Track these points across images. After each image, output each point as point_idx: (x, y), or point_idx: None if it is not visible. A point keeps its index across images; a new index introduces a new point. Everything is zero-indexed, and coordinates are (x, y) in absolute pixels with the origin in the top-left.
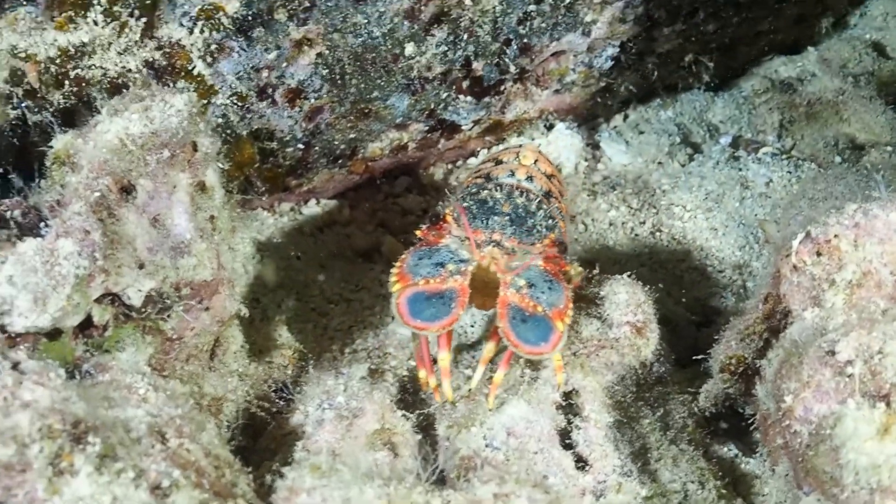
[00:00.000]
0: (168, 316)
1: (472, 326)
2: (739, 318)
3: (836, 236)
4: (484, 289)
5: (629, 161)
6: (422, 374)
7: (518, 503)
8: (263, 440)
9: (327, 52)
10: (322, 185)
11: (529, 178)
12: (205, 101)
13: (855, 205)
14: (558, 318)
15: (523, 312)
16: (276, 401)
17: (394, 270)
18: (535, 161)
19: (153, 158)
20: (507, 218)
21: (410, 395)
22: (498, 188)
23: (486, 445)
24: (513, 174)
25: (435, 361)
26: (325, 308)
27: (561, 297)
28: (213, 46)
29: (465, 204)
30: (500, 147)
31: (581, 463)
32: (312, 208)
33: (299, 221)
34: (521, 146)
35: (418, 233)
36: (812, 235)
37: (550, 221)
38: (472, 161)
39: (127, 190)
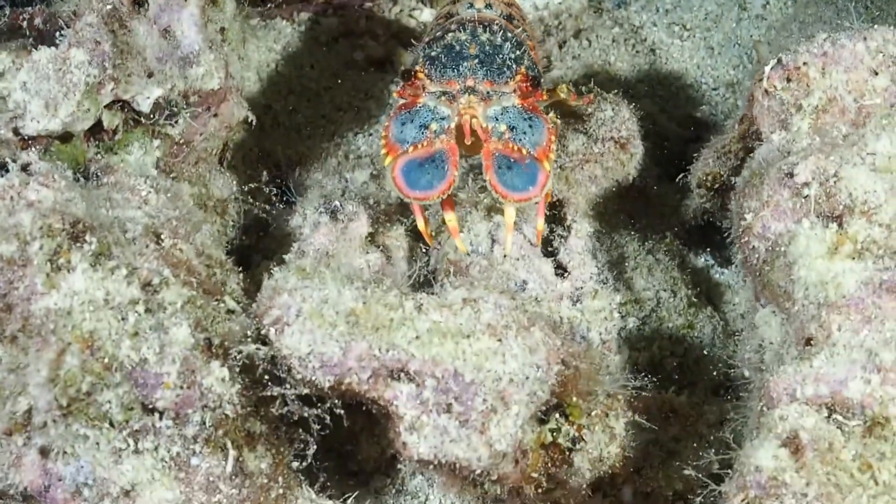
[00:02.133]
0: (176, 122)
1: None
2: (718, 137)
3: (805, 64)
4: (467, 137)
5: None
6: (420, 225)
7: (485, 307)
8: (265, 240)
9: None
10: None
11: (488, 6)
12: None
13: (824, 34)
14: (543, 157)
15: (508, 159)
16: (278, 203)
17: (381, 142)
18: None
19: None
20: (476, 61)
21: None
22: (461, 28)
23: (473, 250)
24: (471, 5)
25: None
26: (334, 115)
27: (543, 133)
28: None
29: (433, 53)
30: None
31: (561, 270)
32: (330, 18)
33: (316, 31)
34: None
35: (395, 93)
36: (783, 62)
37: (518, 52)
38: None
39: (139, 2)
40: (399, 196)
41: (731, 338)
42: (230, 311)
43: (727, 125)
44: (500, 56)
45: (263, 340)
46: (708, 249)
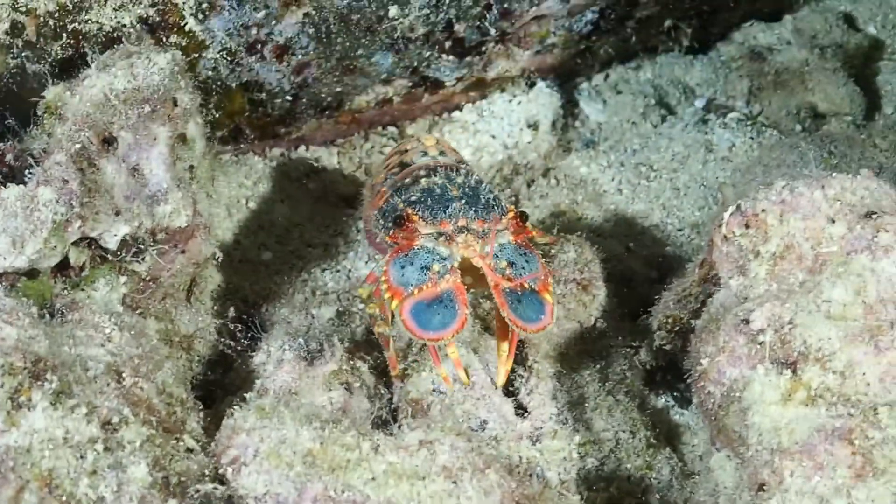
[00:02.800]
0: (143, 259)
1: None
2: (679, 280)
3: (763, 210)
4: (466, 274)
5: (605, 119)
6: (442, 370)
7: (441, 449)
8: (231, 375)
9: (314, 11)
10: (311, 133)
11: (442, 153)
12: (196, 55)
13: (783, 181)
14: (545, 290)
15: (516, 293)
16: (244, 339)
17: (383, 287)
18: (437, 141)
19: (134, 112)
20: (462, 202)
21: (375, 336)
22: (431, 173)
23: (434, 390)
24: (425, 153)
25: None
26: (302, 251)
27: (539, 267)
28: (205, 4)
29: (414, 198)
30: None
31: (521, 410)
32: (301, 154)
33: (288, 167)
34: (415, 137)
35: (388, 238)
36: (742, 208)
37: (496, 191)
38: (457, 114)
39: (108, 141)
40: (411, 338)
41: (689, 479)
42: (189, 450)
43: (688, 268)
44: (483, 196)
45: (221, 480)
46: (668, 390)
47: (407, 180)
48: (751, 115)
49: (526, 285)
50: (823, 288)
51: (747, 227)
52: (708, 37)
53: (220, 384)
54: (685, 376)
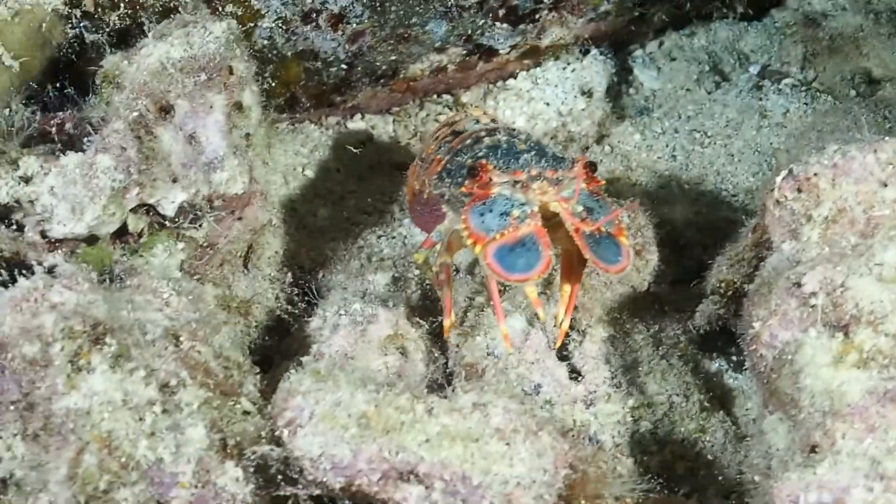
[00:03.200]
0: (200, 225)
1: None
2: (732, 244)
3: (815, 175)
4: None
5: (659, 86)
6: (503, 328)
7: (494, 411)
8: (288, 341)
9: None
10: (366, 101)
11: (493, 120)
12: (251, 24)
13: (835, 146)
14: (620, 234)
15: (595, 236)
16: (301, 305)
17: (464, 234)
18: (484, 112)
19: (191, 81)
20: (532, 153)
21: (431, 302)
22: (490, 133)
23: (489, 354)
24: (476, 121)
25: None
26: (358, 218)
27: (611, 213)
28: None
29: (481, 153)
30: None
31: (574, 374)
32: (357, 123)
33: (343, 135)
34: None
35: (463, 189)
36: (794, 173)
37: (559, 147)
38: (511, 82)
39: (166, 109)
40: (499, 280)
41: (742, 442)
42: (246, 413)
43: (741, 233)
44: (548, 149)
45: (277, 441)
46: (722, 354)
47: (468, 141)
48: (805, 81)
49: (603, 229)
50: (875, 251)
51: (799, 191)
52: (762, 3)
53: (278, 349)
54: (738, 340)
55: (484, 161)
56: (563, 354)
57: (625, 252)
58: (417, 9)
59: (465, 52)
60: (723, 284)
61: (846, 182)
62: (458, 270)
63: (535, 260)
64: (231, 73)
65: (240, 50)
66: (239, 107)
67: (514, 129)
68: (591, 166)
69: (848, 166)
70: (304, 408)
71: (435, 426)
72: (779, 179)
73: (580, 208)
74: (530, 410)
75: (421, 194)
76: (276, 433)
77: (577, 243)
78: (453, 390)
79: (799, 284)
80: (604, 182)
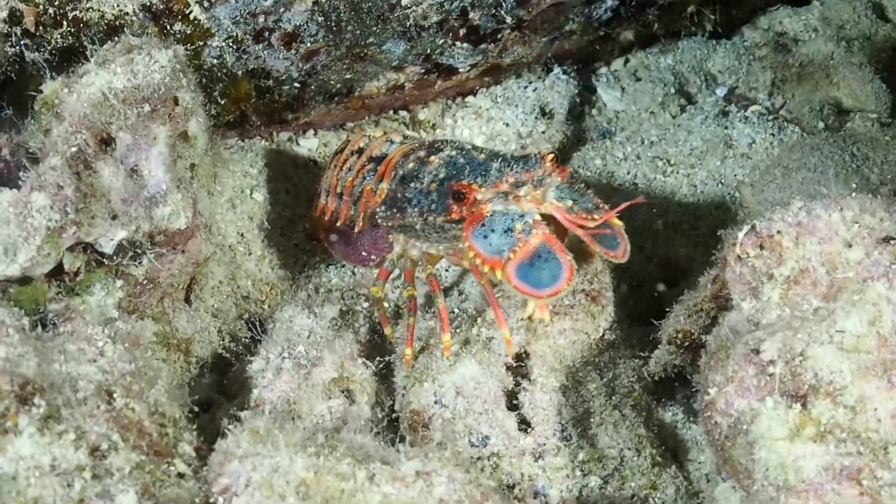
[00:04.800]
0: (140, 262)
1: (447, 270)
2: (690, 293)
3: (779, 232)
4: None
5: (623, 108)
6: (446, 338)
7: (438, 481)
8: (231, 377)
9: (324, 0)
10: (319, 118)
11: (406, 137)
12: (200, 43)
13: (800, 202)
14: (609, 217)
15: (590, 226)
16: (244, 340)
17: (477, 262)
18: (384, 132)
19: (133, 112)
20: (497, 161)
21: (379, 337)
22: (433, 151)
23: (436, 402)
24: (391, 142)
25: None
26: (307, 245)
27: (592, 198)
28: None
29: (443, 174)
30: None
31: (524, 425)
32: (310, 140)
33: (294, 153)
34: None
35: (452, 215)
36: (757, 229)
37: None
38: (471, 99)
39: (106, 142)
40: (527, 299)
41: (693, 498)
42: (180, 475)
43: (700, 282)
44: (504, 153)
45: None
46: (677, 402)
47: (410, 165)
48: (773, 109)
49: (595, 217)
50: (837, 317)
51: (762, 248)
52: (732, 21)
53: (219, 386)
54: (694, 389)
55: (464, 181)
56: (512, 404)
57: (619, 232)
58: (375, 28)
59: (423, 70)
60: (680, 334)
61: (810, 241)
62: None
63: (557, 270)
64: (177, 103)
65: (186, 79)
66: (184, 136)
67: (454, 142)
68: (556, 157)
69: (812, 225)
70: (241, 474)
71: (376, 496)
72: (741, 235)
73: (570, 203)
74: (475, 480)
75: (347, 228)
76: (211, 500)
77: (581, 238)
78: (397, 447)
79: (757, 351)
80: (569, 170)
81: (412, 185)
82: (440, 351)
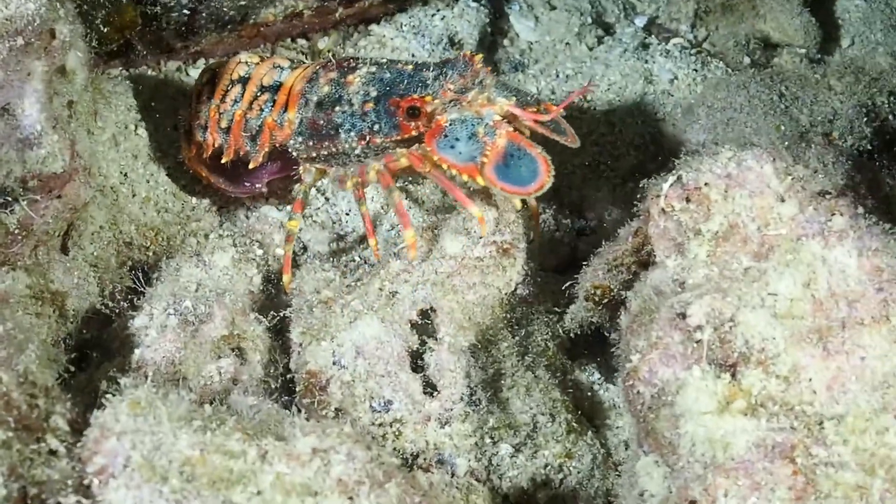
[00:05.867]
0: (12, 210)
1: (348, 214)
2: (610, 245)
3: (706, 184)
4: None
5: (537, 38)
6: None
7: (336, 459)
8: (109, 334)
9: None
10: (210, 47)
11: (293, 62)
12: None
13: (729, 151)
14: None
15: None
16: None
17: (445, 165)
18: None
19: (5, 46)
20: (427, 70)
21: (274, 288)
22: (348, 70)
23: (334, 363)
24: (279, 67)
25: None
26: (194, 186)
27: (567, 99)
28: None
29: (377, 91)
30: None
31: (430, 388)
32: (200, 69)
33: (184, 84)
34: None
35: (410, 132)
36: (683, 180)
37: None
38: (374, 28)
39: None
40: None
41: (611, 469)
42: (52, 452)
43: (620, 234)
44: (426, 62)
45: (86, 492)
46: (594, 362)
47: (326, 89)
48: (695, 42)
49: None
50: (770, 278)
51: (688, 200)
52: None
53: (98, 343)
54: (613, 348)
55: (414, 96)
56: (417, 365)
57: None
58: None
59: None
60: (598, 291)
61: (740, 195)
62: (305, 248)
63: (534, 164)
64: (53, 36)
65: (64, 9)
66: (62, 71)
67: (364, 58)
68: (483, 57)
69: (743, 177)
70: (119, 453)
71: (269, 475)
72: (665, 186)
73: (514, 99)
74: (377, 458)
75: (236, 163)
76: (86, 482)
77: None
78: (293, 425)
79: (684, 315)
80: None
81: (337, 108)
82: (339, 307)
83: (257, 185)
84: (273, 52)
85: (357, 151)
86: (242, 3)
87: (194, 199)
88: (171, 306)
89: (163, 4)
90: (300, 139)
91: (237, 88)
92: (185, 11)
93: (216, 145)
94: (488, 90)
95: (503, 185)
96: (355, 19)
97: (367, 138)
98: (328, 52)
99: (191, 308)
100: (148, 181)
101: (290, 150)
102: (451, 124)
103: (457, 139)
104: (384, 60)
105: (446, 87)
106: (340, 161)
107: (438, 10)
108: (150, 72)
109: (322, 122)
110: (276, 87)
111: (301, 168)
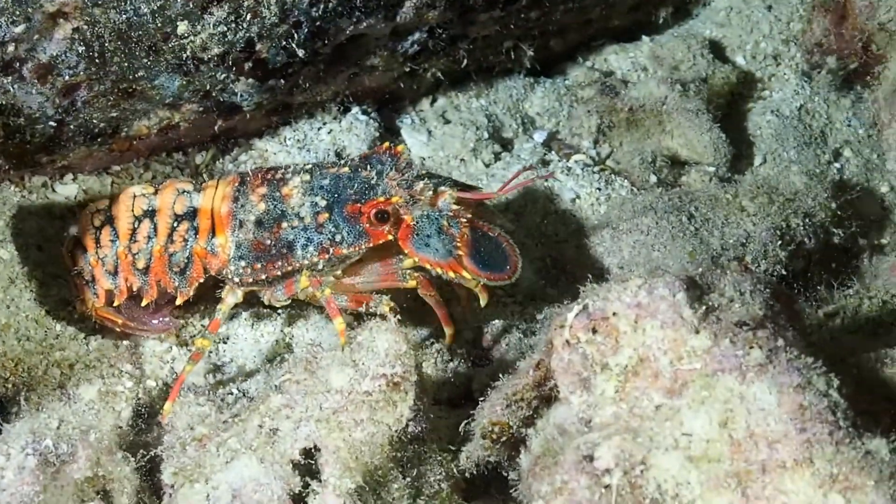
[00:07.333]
0: None
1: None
2: (509, 379)
3: (615, 314)
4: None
5: (429, 154)
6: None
7: None
8: None
9: (86, 27)
10: (79, 161)
11: (195, 186)
12: None
13: (640, 279)
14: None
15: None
16: None
17: (428, 265)
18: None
19: None
20: (363, 170)
21: (144, 421)
22: (280, 184)
23: None
24: (187, 193)
25: None
26: (61, 312)
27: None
28: None
29: (329, 199)
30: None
31: None
32: (68, 185)
33: (50, 201)
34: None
35: (386, 236)
36: (589, 309)
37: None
38: (256, 142)
39: None
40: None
41: None
42: None
43: (520, 367)
44: (351, 161)
45: None
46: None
47: (261, 206)
48: (598, 159)
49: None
50: (684, 417)
51: (595, 332)
52: (553, 57)
53: None
54: (512, 489)
55: (378, 199)
56: None
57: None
58: (145, 61)
59: (201, 108)
60: (496, 427)
61: (651, 325)
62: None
63: (500, 248)
64: None
65: None
66: None
67: (284, 167)
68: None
69: (654, 306)
70: None
71: None
72: (570, 316)
73: (450, 184)
74: None
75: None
76: None
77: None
78: None
79: (591, 458)
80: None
81: (284, 224)
82: (215, 445)
83: (165, 319)
84: (147, 168)
85: (320, 266)
86: (114, 114)
87: (59, 326)
88: (29, 445)
89: (27, 116)
90: (242, 263)
91: (146, 223)
92: (52, 123)
93: (134, 289)
94: (426, 180)
95: (486, 273)
96: (235, 133)
97: (330, 250)
98: (205, 167)
99: (52, 447)
100: (8, 306)
101: (227, 276)
102: (418, 222)
103: (428, 236)
104: (307, 165)
105: (392, 183)
106: (285, 277)
107: (325, 124)
108: (12, 188)
109: (269, 241)
110: (192, 213)
111: (226, 289)
